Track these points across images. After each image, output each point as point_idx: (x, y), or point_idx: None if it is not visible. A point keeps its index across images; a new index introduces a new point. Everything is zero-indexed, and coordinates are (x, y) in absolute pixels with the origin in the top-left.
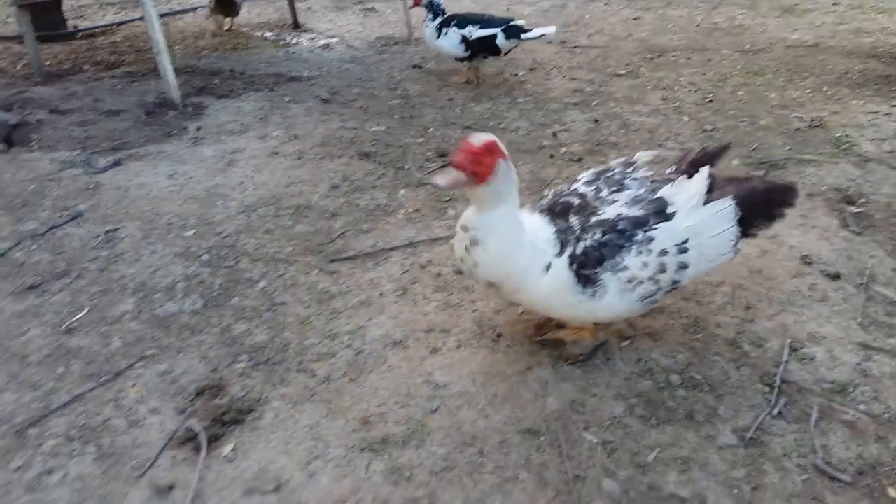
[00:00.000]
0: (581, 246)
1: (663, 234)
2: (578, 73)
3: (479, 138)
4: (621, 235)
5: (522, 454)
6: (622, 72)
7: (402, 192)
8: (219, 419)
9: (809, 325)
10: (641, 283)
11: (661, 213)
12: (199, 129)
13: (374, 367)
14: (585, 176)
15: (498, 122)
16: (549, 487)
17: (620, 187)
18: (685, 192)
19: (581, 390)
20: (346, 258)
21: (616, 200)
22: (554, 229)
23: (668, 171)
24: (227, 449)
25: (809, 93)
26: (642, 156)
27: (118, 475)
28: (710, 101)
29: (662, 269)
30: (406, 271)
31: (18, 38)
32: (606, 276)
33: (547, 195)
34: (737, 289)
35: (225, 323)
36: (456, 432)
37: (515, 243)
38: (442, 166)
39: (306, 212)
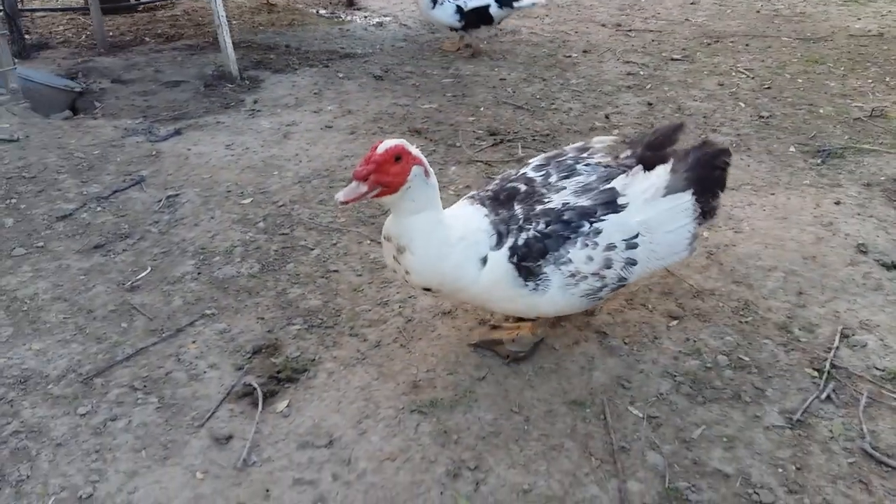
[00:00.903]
0: (523, 236)
1: (612, 227)
2: (633, 57)
3: (385, 145)
4: (566, 226)
5: (568, 424)
6: (678, 56)
7: (453, 168)
8: (274, 377)
9: (862, 312)
10: (585, 277)
11: (611, 204)
12: (255, 101)
13: (423, 335)
14: (536, 160)
15: (550, 102)
16: (594, 457)
17: (571, 173)
18: (640, 184)
19: (627, 366)
20: None
21: (564, 188)
22: (489, 220)
23: (624, 155)
24: (282, 405)
25: (871, 83)
26: (599, 140)
27: (179, 424)
28: (768, 87)
29: (608, 265)
30: None
31: (83, 10)
32: (549, 270)
33: (495, 179)
34: (789, 274)
35: (280, 287)
36: (502, 400)
37: (444, 243)
38: (493, 145)
39: None
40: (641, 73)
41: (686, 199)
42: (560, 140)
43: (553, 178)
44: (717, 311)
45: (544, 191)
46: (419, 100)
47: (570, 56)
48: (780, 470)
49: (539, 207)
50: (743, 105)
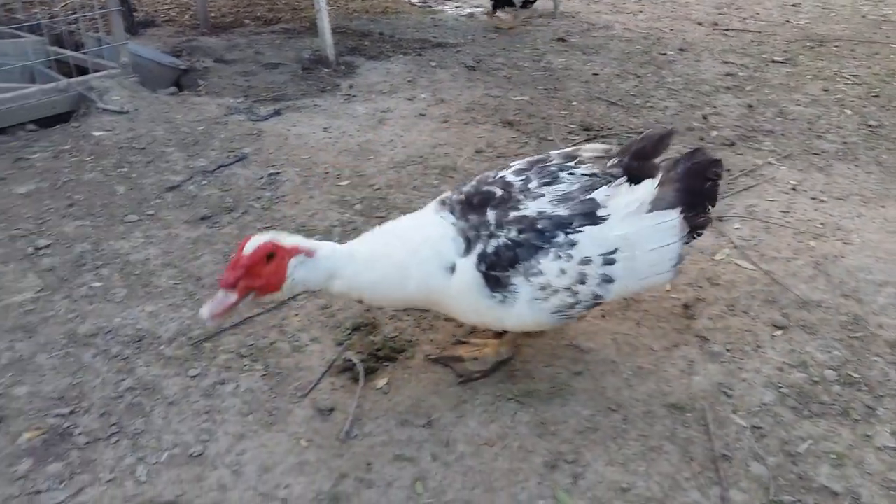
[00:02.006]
0: (493, 244)
1: (588, 240)
2: (731, 57)
3: (252, 245)
4: (540, 236)
5: (667, 427)
6: (779, 58)
7: None
8: (374, 354)
9: None
10: (557, 292)
11: (590, 215)
12: (351, 87)
13: None
14: (518, 164)
15: (645, 100)
16: (695, 462)
17: (552, 180)
18: (624, 197)
19: (729, 374)
20: None
21: (542, 195)
22: (456, 227)
23: (610, 164)
24: (381, 382)
25: None
26: (588, 149)
27: (283, 393)
28: (876, 96)
29: (582, 280)
30: None
31: None
32: (519, 281)
33: (472, 180)
34: None
35: None
36: (600, 397)
37: (394, 274)
38: (586, 140)
39: (452, 173)
40: (741, 73)
41: (672, 217)
42: None
43: (533, 185)
44: (824, 323)
45: (521, 197)
46: (511, 91)
47: (665, 54)
48: (894, 493)
49: (513, 214)
50: (849, 112)
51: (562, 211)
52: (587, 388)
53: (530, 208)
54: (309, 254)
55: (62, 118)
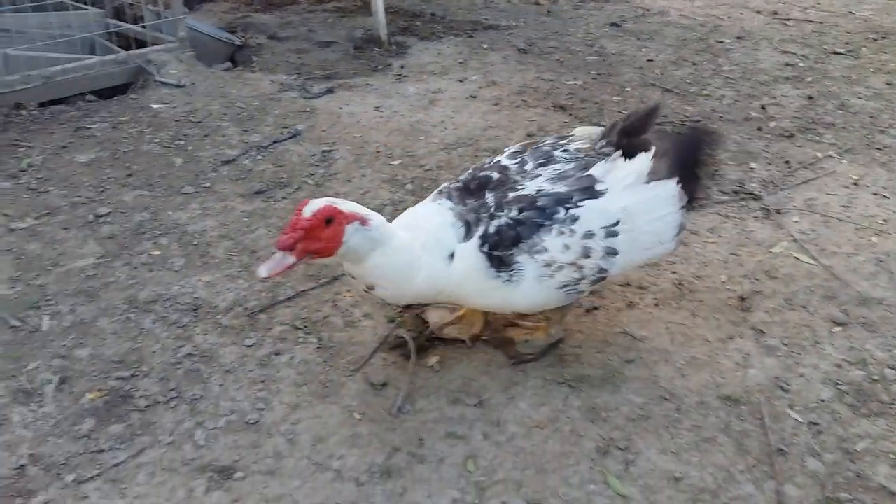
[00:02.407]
0: (495, 224)
1: (589, 214)
2: (791, 47)
3: (313, 207)
4: (541, 213)
5: (722, 419)
6: (841, 50)
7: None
8: (424, 333)
9: None
10: (562, 268)
11: (589, 189)
12: (402, 67)
13: (568, 310)
14: (512, 147)
15: (700, 88)
16: (750, 455)
17: (547, 161)
18: (621, 171)
19: (786, 368)
20: None
21: (539, 175)
22: (454, 212)
23: (600, 144)
24: (432, 360)
25: None
26: (581, 131)
27: (336, 366)
28: None
29: (587, 254)
30: None
31: None
32: (523, 259)
33: (468, 170)
34: None
35: None
36: (653, 385)
37: (408, 265)
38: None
39: None
40: (801, 64)
41: (671, 187)
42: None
43: (529, 166)
44: (885, 321)
45: (518, 178)
46: (563, 75)
47: (722, 41)
48: None
49: (512, 194)
50: None
51: (560, 188)
52: (639, 376)
53: (529, 188)
54: (364, 222)
55: (120, 90)
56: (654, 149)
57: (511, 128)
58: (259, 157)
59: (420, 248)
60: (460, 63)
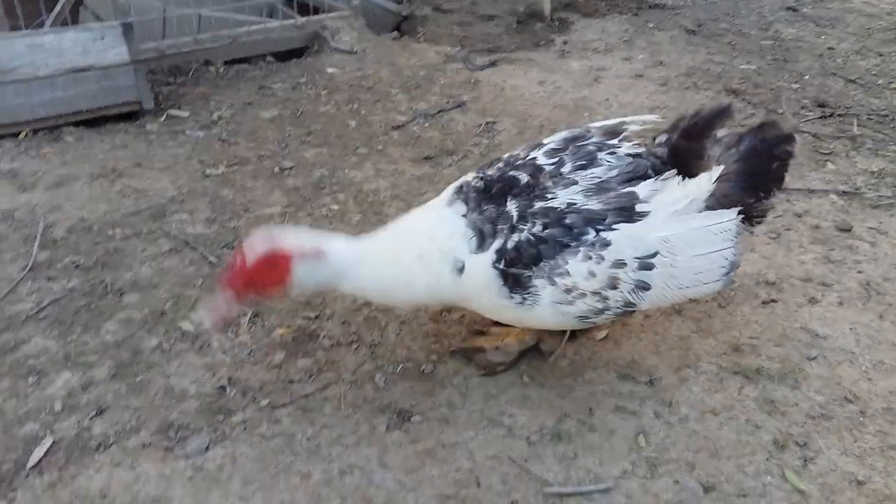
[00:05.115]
0: (514, 239)
1: (623, 240)
2: None
3: (253, 249)
4: (567, 232)
5: None
6: None
7: None
8: None
9: None
10: (584, 295)
11: (627, 210)
12: (565, 42)
13: (745, 301)
14: (553, 141)
15: (888, 80)
16: None
17: (589, 163)
18: (671, 194)
19: None
20: None
21: (575, 182)
22: (466, 219)
23: (658, 141)
24: (600, 335)
25: None
26: (635, 120)
27: None
28: None
29: (614, 285)
30: (779, 216)
31: None
32: (540, 283)
33: (497, 162)
34: None
35: None
36: (835, 385)
37: (397, 279)
38: (820, 117)
39: None
40: None
41: (729, 219)
42: None
43: (566, 168)
44: None
45: (550, 184)
46: (736, 59)
47: None
48: None
49: (538, 205)
50: None
51: (594, 204)
52: (822, 374)
53: (560, 198)
54: (317, 255)
55: (295, 53)
56: (719, 170)
57: (679, 110)
58: (426, 124)
59: (415, 258)
60: (625, 41)
